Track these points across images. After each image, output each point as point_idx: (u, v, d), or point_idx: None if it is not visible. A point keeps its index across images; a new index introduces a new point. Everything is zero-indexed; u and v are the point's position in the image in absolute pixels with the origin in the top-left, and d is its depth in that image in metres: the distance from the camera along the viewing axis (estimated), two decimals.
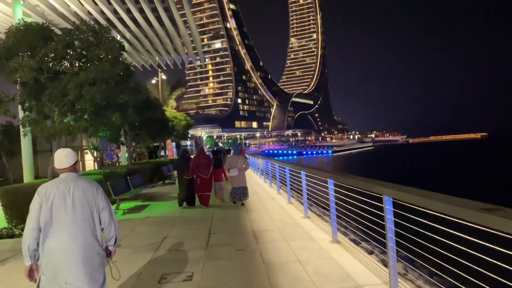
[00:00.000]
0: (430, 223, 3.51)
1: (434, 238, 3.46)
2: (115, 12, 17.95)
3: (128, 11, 17.74)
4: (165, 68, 28.38)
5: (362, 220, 5.40)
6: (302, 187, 8.50)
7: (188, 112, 53.25)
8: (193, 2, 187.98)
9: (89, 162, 22.29)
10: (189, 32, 20.19)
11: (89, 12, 17.28)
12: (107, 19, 18.38)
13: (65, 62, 8.52)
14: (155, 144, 30.74)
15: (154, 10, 17.71)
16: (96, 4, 16.12)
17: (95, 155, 16.89)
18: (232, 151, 14.44)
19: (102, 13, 17.70)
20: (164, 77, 31.49)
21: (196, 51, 24.24)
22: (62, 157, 2.92)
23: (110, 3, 16.23)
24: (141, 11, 17.56)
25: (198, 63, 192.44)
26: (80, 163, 21.66)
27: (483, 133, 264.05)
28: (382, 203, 4.07)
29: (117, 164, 23.41)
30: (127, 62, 9.86)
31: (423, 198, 3.24)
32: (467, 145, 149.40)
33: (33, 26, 8.37)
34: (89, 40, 8.46)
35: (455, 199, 3.01)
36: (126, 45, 24.17)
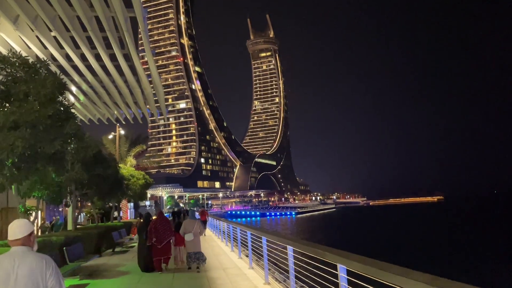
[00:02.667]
0: None
1: None
2: (68, 58, 16.35)
3: (83, 58, 16.18)
4: (124, 123, 26.58)
5: None
6: (263, 253, 8.44)
7: (148, 170, 50.54)
8: (158, 64, 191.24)
9: None
10: (152, 84, 18.71)
11: (37, 57, 15.63)
12: (60, 67, 16.72)
13: None
14: (111, 205, 27.95)
15: (113, 58, 16.25)
16: (45, 47, 14.45)
17: (31, 219, 14.27)
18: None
19: (53, 59, 16.04)
20: (122, 132, 29.46)
21: (158, 104, 22.66)
22: (15, 227, 2.80)
23: (61, 47, 14.59)
24: (98, 58, 16.04)
25: (162, 121, 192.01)
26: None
27: (439, 197, 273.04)
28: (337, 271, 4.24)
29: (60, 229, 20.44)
30: (65, 103, 8.05)
31: (376, 268, 3.36)
32: (424, 208, 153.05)
33: None
34: (16, 75, 6.64)
35: (406, 270, 3.12)
36: (81, 97, 22.36)
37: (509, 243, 44.60)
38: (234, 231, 14.12)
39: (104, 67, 16.93)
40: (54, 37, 13.85)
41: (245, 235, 10.85)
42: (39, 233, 18.25)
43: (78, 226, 27.56)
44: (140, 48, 15.76)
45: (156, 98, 22.04)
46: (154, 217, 11.48)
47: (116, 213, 28.74)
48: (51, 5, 12.09)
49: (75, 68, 17.28)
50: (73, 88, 20.64)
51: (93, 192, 15.97)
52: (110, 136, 29.01)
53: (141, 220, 11.90)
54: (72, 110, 22.56)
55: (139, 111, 24.24)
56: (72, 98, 22.34)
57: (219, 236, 19.99)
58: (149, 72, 18.40)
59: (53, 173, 9.67)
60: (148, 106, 24.08)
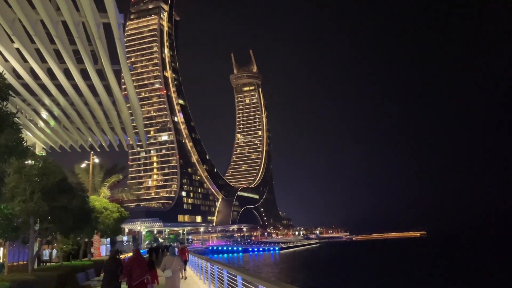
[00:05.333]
0: None
1: None
2: (34, 76, 14.61)
3: (51, 75, 14.46)
4: (98, 150, 24.57)
5: None
6: None
7: (125, 203, 47.78)
8: (141, 96, 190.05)
9: None
10: (129, 104, 17.03)
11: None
12: (25, 85, 14.98)
13: None
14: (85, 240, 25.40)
15: (85, 75, 14.58)
16: (6, 61, 12.69)
17: None
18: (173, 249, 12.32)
19: (18, 77, 14.28)
20: (97, 160, 27.32)
21: (136, 130, 20.84)
22: None
23: (25, 60, 12.83)
24: (68, 75, 14.33)
25: (143, 153, 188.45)
26: None
27: (422, 232, 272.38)
28: None
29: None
30: (5, 109, 6.31)
31: None
32: (407, 244, 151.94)
33: None
34: None
35: None
36: (52, 122, 20.46)
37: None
38: (219, 273, 12.86)
39: (75, 86, 15.27)
40: (17, 49, 12.23)
41: (234, 278, 10.26)
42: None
43: (48, 265, 24.85)
44: (116, 65, 14.21)
45: (135, 124, 20.28)
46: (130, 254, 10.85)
47: (86, 250, 26.17)
48: (9, 6, 10.45)
49: (43, 87, 15.54)
50: (43, 112, 18.81)
51: (55, 226, 13.85)
52: (83, 165, 26.87)
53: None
54: (39, 133, 20.47)
55: (116, 137, 22.35)
56: (41, 123, 20.44)
57: (200, 276, 17.93)
58: (126, 92, 16.79)
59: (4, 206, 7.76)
60: (126, 134, 22.29)
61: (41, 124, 20.41)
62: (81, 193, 15.46)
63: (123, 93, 17.53)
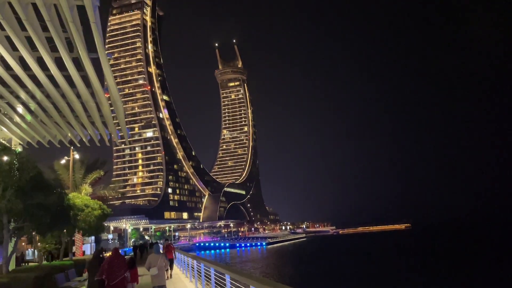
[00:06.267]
0: None
1: None
2: (6, 66, 13.69)
3: (25, 66, 13.56)
4: (79, 145, 23.57)
5: None
6: None
7: (109, 201, 46.65)
8: (125, 92, 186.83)
9: None
10: (109, 95, 16.21)
11: None
12: None
13: None
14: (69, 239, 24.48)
15: (61, 66, 13.69)
16: None
17: None
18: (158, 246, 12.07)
19: None
20: (77, 156, 26.33)
21: (116, 121, 19.96)
22: None
23: None
24: (43, 66, 13.43)
25: (128, 150, 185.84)
26: None
27: (407, 224, 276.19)
28: None
29: None
30: None
31: None
32: (393, 236, 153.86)
33: None
34: None
35: None
36: (28, 117, 19.51)
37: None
38: (206, 270, 12.61)
39: (50, 77, 14.41)
40: None
41: (221, 275, 10.12)
42: None
43: (26, 265, 23.91)
44: (93, 53, 13.36)
45: (116, 118, 19.43)
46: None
47: (68, 250, 25.29)
48: None
49: (16, 78, 14.63)
50: (18, 106, 17.86)
51: (31, 225, 13.08)
52: (63, 161, 25.89)
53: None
54: (15, 128, 19.53)
55: (96, 132, 21.47)
56: (17, 118, 19.46)
57: (187, 274, 17.34)
58: (106, 83, 15.97)
59: None
60: (107, 128, 21.43)
61: (17, 118, 19.45)
62: (59, 190, 14.68)
63: (104, 83, 16.75)
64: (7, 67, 14.10)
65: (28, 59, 12.84)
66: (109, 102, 17.86)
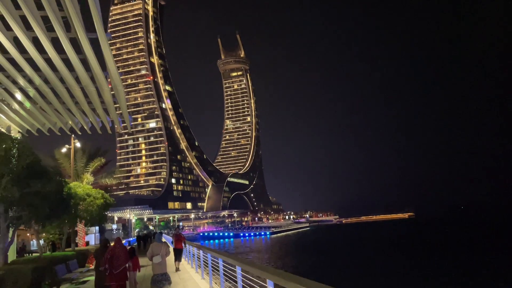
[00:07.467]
0: None
1: None
2: (1, 50, 13.04)
3: (21, 49, 12.89)
4: (80, 133, 22.97)
5: None
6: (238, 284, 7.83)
7: (113, 191, 46.24)
8: (127, 83, 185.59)
9: None
10: (109, 79, 15.52)
11: None
12: None
13: None
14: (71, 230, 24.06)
15: (59, 50, 12.98)
16: None
17: None
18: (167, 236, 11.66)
19: None
20: (78, 144, 25.75)
21: (117, 105, 19.22)
22: None
23: None
24: (40, 49, 12.74)
25: (131, 141, 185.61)
26: None
27: (410, 213, 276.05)
28: None
29: None
30: None
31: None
32: (396, 225, 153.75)
33: None
34: None
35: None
36: (27, 104, 18.91)
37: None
38: (213, 261, 12.16)
39: (48, 60, 13.75)
40: None
41: (228, 266, 9.97)
42: None
43: (25, 257, 23.50)
44: (92, 33, 12.65)
45: (116, 99, 18.72)
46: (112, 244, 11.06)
47: (70, 240, 24.89)
48: None
49: (12, 62, 13.98)
50: (16, 92, 17.25)
51: (29, 214, 12.55)
52: (64, 150, 25.34)
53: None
54: (14, 116, 18.95)
55: (98, 119, 20.86)
56: (15, 104, 18.87)
57: (192, 264, 16.78)
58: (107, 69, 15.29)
59: None
60: (108, 115, 20.82)
61: (15, 105, 18.86)
62: (58, 178, 14.14)
63: (106, 68, 16.06)
64: (3, 50, 13.45)
65: (23, 40, 12.17)
66: (110, 86, 17.22)
